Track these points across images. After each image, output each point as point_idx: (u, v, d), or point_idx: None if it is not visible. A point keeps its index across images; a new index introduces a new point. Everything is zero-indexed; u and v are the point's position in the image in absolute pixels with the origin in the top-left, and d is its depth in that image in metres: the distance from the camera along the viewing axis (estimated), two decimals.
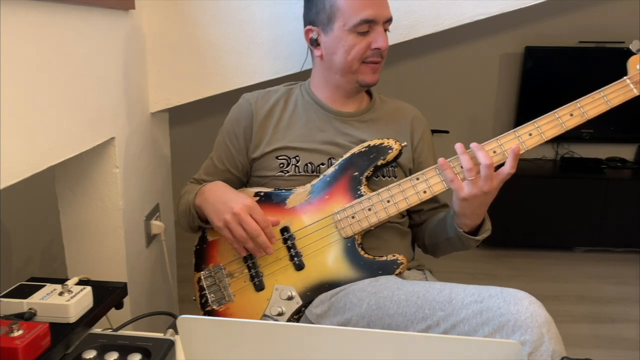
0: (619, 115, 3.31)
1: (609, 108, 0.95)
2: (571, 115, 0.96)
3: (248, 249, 1.04)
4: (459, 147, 0.97)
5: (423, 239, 1.19)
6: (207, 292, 1.10)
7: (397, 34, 1.33)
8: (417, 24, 1.32)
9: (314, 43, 1.13)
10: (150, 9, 1.31)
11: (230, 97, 1.25)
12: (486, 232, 1.05)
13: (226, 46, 1.35)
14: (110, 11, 1.12)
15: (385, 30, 1.11)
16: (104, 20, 1.09)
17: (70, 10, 0.95)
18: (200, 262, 1.12)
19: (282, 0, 1.31)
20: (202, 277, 1.11)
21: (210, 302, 1.09)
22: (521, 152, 0.96)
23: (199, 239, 1.14)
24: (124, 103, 1.21)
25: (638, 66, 0.95)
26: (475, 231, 1.05)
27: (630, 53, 0.97)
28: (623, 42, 2.70)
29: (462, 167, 0.96)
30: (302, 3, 1.17)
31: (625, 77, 0.96)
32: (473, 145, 0.96)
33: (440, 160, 0.99)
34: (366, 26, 1.07)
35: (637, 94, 0.95)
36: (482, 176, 0.94)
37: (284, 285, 1.05)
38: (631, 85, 0.95)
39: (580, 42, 2.83)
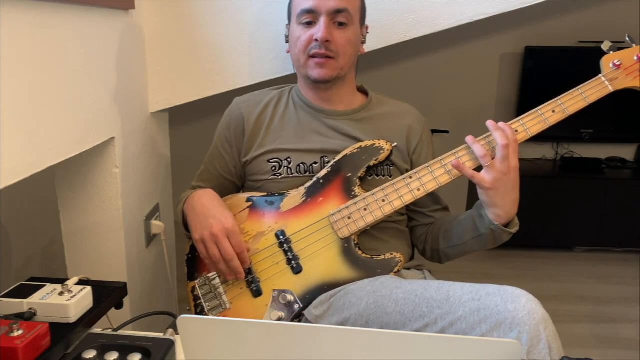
0: (619, 115, 3.29)
1: (587, 104, 1.01)
2: (553, 112, 1.02)
3: (220, 270, 1.04)
4: (469, 139, 0.99)
5: (435, 242, 1.15)
6: (202, 300, 1.09)
7: (397, 34, 1.33)
8: (417, 24, 1.32)
9: (286, 39, 1.17)
10: (150, 9, 1.31)
11: (230, 97, 1.25)
12: (516, 225, 1.02)
13: (226, 46, 1.35)
14: (110, 11, 1.12)
15: (341, 23, 1.08)
16: (104, 20, 1.09)
17: (70, 10, 0.95)
18: (194, 270, 1.11)
19: (282, 0, 1.31)
20: (197, 286, 1.10)
21: (206, 311, 1.08)
22: None
23: (190, 248, 1.13)
24: (123, 103, 1.21)
25: (610, 64, 1.02)
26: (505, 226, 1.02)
27: (600, 48, 1.05)
28: (623, 42, 2.69)
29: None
30: None
31: (600, 75, 1.03)
32: (489, 124, 0.97)
33: (454, 162, 0.99)
34: (309, 16, 1.07)
35: (612, 90, 1.02)
36: (500, 156, 0.94)
37: (282, 289, 1.04)
38: (606, 83, 1.02)
39: (580, 42, 2.84)
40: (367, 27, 1.19)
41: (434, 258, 1.18)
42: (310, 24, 1.08)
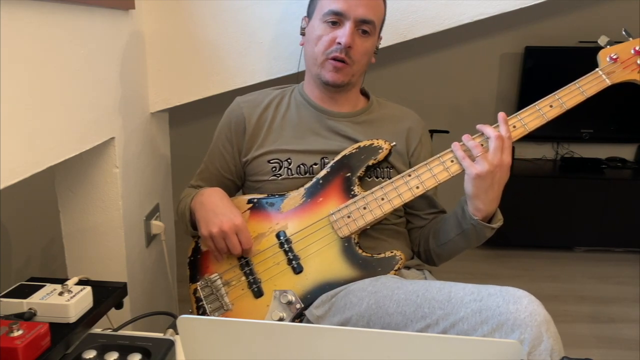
0: (619, 115, 3.28)
1: (585, 98, 1.01)
2: (551, 106, 1.02)
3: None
4: (465, 137, 1.00)
5: (427, 243, 1.15)
6: (204, 302, 1.09)
7: (397, 34, 1.33)
8: (417, 24, 1.32)
9: (302, 32, 1.16)
10: (150, 9, 1.31)
11: (230, 97, 1.25)
12: (499, 221, 1.03)
13: (226, 46, 1.35)
14: (110, 11, 1.12)
15: (365, 31, 1.08)
16: (104, 20, 1.09)
17: (70, 10, 0.95)
18: (195, 272, 1.12)
19: (282, 0, 1.31)
20: (199, 288, 1.10)
21: (208, 313, 1.08)
22: None
23: (192, 250, 1.14)
24: (123, 103, 1.21)
25: (607, 58, 1.03)
26: (487, 222, 1.03)
27: (600, 47, 1.06)
28: (621, 42, 2.69)
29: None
30: (301, 3, 1.19)
31: (597, 69, 1.03)
32: (478, 126, 1.00)
33: (454, 143, 1.00)
34: (334, 17, 1.07)
35: (610, 83, 1.02)
36: (493, 148, 0.96)
37: (283, 289, 1.04)
38: (604, 76, 1.02)
39: (580, 42, 2.83)
40: (380, 38, 1.19)
41: (428, 260, 1.19)
42: (334, 24, 1.08)
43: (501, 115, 1.00)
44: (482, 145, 0.99)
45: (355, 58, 1.09)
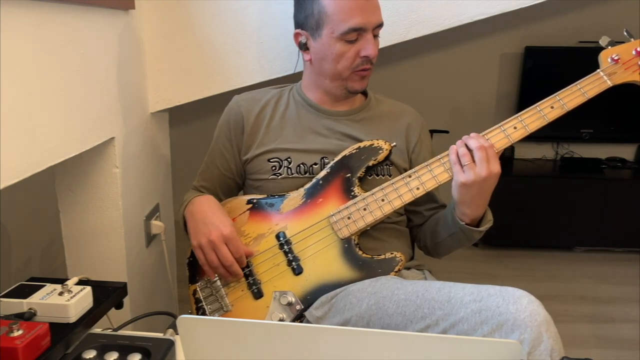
0: (619, 115, 3.28)
1: (586, 99, 1.01)
2: (552, 107, 1.01)
3: (219, 274, 1.06)
4: (458, 143, 1.00)
5: (425, 240, 1.17)
6: (204, 303, 1.09)
7: (397, 34, 1.33)
8: (417, 24, 1.32)
9: (303, 47, 1.13)
10: (150, 9, 1.31)
11: (230, 97, 1.25)
12: (488, 222, 1.04)
13: (226, 46, 1.35)
14: (110, 11, 1.12)
15: (375, 36, 1.09)
16: (104, 20, 1.09)
17: (70, 10, 0.95)
18: (195, 273, 1.12)
19: (281, 0, 1.31)
20: (198, 289, 1.10)
21: (208, 314, 1.08)
22: (507, 145, 1.01)
23: (192, 251, 1.13)
24: (123, 103, 1.21)
25: (609, 59, 1.02)
26: (477, 224, 1.04)
27: (601, 48, 1.05)
28: (623, 43, 2.69)
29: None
30: None
31: (598, 70, 1.02)
32: (464, 137, 0.99)
33: (452, 147, 1.00)
34: (355, 34, 1.05)
35: (611, 84, 1.01)
36: (477, 159, 0.95)
37: (283, 290, 1.04)
38: (605, 77, 1.01)
39: (580, 42, 2.83)
40: None
41: (430, 253, 1.21)
42: (354, 40, 1.07)
43: (467, 137, 0.99)
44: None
45: (374, 62, 1.10)
